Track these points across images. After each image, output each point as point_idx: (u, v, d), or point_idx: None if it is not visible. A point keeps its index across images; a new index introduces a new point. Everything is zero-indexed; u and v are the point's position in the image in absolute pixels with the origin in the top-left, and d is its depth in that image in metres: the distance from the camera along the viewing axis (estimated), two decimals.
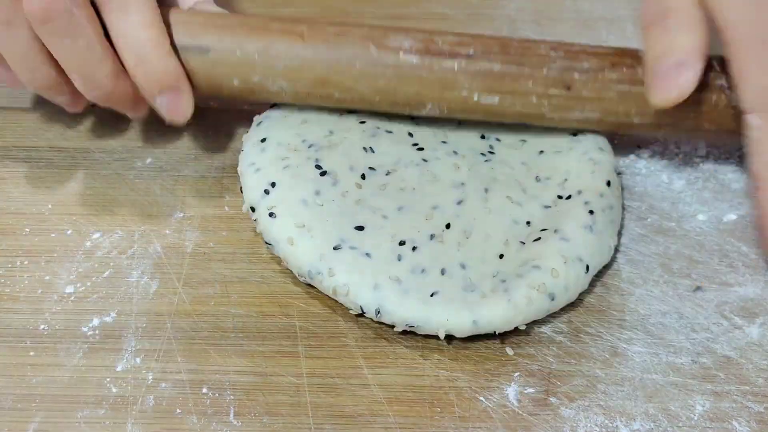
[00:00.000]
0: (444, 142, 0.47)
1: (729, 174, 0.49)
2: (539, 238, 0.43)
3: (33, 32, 0.42)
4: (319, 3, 0.59)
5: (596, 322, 0.42)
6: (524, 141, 0.48)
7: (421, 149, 0.47)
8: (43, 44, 0.42)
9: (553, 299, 0.41)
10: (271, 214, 0.43)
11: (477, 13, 0.59)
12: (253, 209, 0.44)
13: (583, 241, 0.42)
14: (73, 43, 0.41)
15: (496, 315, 0.40)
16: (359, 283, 0.41)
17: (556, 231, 0.43)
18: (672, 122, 0.45)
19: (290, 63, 0.45)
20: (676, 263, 0.45)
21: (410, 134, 0.48)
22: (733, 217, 0.47)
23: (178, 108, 0.45)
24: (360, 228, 0.43)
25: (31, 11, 0.40)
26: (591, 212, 0.43)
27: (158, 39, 0.43)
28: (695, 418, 0.39)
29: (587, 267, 0.42)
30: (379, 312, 0.40)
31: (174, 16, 0.45)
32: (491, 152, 0.47)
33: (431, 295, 0.40)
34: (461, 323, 0.40)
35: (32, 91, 0.48)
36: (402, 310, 0.40)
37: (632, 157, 0.50)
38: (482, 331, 0.40)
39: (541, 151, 0.47)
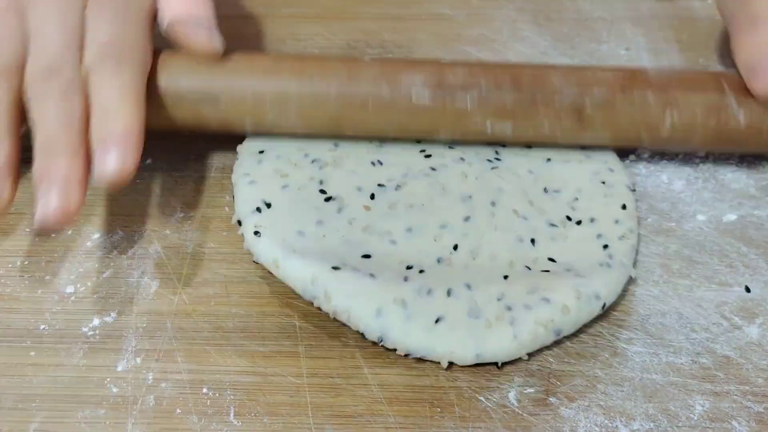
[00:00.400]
0: (451, 147, 0.47)
1: (729, 174, 0.49)
2: (548, 271, 0.42)
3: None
4: (317, 3, 0.59)
5: (596, 322, 0.42)
6: (530, 147, 0.48)
7: (429, 156, 0.46)
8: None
9: (558, 334, 0.40)
10: (256, 233, 0.42)
11: (477, 13, 0.59)
12: (240, 223, 0.44)
13: (600, 277, 0.41)
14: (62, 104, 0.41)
15: (500, 348, 0.39)
16: (361, 308, 0.40)
17: (568, 270, 0.42)
18: (681, 141, 0.46)
19: (303, 104, 0.45)
20: (676, 263, 0.45)
21: (418, 140, 0.47)
22: (733, 217, 0.47)
23: (121, 166, 0.40)
24: (367, 256, 0.42)
25: (40, 66, 0.42)
26: (605, 246, 0.43)
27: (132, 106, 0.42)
28: (695, 418, 0.39)
29: (603, 304, 0.41)
30: (381, 339, 0.40)
31: (176, 62, 0.45)
32: (497, 158, 0.47)
33: (435, 322, 0.40)
34: (465, 355, 0.39)
35: None
36: (406, 339, 0.40)
37: (632, 157, 0.50)
38: (484, 361, 0.40)
39: (549, 159, 0.47)
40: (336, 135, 0.46)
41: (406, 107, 0.45)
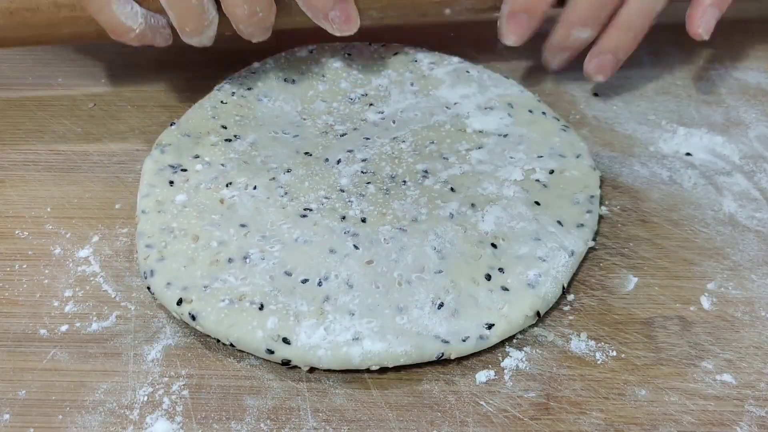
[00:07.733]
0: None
1: (728, 176, 0.49)
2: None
3: None
4: None
5: (597, 326, 0.42)
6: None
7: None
8: None
9: None
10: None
11: None
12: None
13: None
14: None
15: None
16: None
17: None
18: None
19: None
20: (676, 265, 0.45)
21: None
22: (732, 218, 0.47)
23: (349, 18, 0.48)
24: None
25: None
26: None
27: None
28: (697, 422, 0.39)
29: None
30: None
31: None
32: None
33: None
34: None
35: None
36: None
37: (631, 158, 0.50)
38: None
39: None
40: None
41: None
